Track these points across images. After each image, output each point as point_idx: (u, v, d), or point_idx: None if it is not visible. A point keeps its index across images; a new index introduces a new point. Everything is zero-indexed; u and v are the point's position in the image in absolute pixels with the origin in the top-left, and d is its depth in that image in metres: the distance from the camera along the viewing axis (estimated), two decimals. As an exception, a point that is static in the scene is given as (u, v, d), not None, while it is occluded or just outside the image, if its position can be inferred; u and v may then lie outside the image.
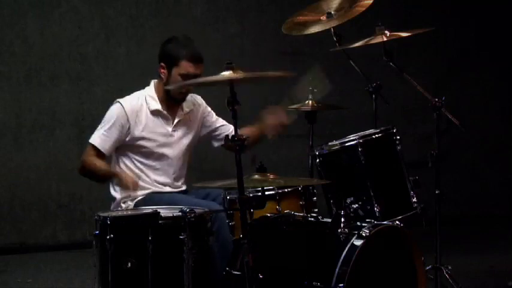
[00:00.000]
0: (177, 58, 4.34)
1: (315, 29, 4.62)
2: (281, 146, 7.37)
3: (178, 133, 4.49)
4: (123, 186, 4.23)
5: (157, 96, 4.44)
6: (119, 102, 4.40)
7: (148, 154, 4.41)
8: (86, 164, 4.35)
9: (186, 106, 4.51)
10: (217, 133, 4.63)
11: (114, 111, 4.38)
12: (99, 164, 4.32)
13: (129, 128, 4.35)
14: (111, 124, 4.34)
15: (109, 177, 4.33)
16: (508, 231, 6.52)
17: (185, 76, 4.31)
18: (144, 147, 4.39)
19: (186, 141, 4.52)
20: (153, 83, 4.49)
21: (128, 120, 4.35)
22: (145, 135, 4.37)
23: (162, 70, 4.41)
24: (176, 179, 4.49)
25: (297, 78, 4.35)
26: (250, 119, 6.84)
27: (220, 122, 4.64)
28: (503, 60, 8.01)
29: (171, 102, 4.45)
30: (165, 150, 4.43)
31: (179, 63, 4.33)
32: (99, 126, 4.39)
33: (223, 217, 4.04)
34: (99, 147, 4.33)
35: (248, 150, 3.83)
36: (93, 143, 4.35)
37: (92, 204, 6.81)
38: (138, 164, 4.40)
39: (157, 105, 4.43)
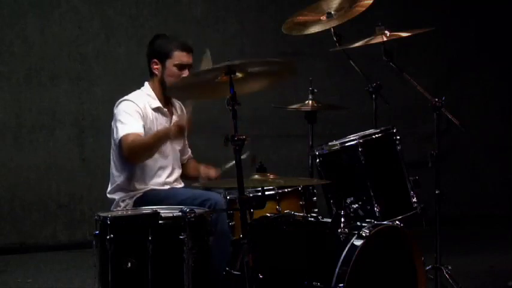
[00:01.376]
0: (170, 50, 4.39)
1: (315, 29, 4.63)
2: (281, 146, 7.38)
3: (176, 132, 4.51)
4: (178, 135, 4.21)
5: (155, 94, 4.46)
6: (126, 99, 4.38)
7: None
8: (134, 147, 4.20)
9: (178, 108, 4.55)
10: (184, 150, 4.67)
11: (126, 106, 4.34)
12: (143, 137, 4.23)
13: (143, 119, 4.34)
14: (130, 113, 4.28)
15: (162, 139, 4.24)
16: (508, 231, 6.52)
17: (180, 66, 4.36)
18: None
19: (181, 141, 4.55)
20: (146, 83, 4.51)
21: (142, 112, 4.34)
22: (152, 132, 4.37)
23: (156, 66, 4.44)
24: (174, 178, 4.50)
25: (298, 77, 4.35)
26: (250, 119, 6.88)
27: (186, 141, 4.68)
28: (503, 60, 8.01)
29: (167, 100, 4.48)
30: (166, 148, 4.43)
31: (172, 54, 4.39)
32: (117, 123, 4.28)
33: (221, 217, 4.05)
34: (133, 131, 4.22)
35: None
36: (125, 133, 4.22)
37: (92, 204, 6.81)
38: (138, 166, 4.39)
39: (157, 103, 4.45)
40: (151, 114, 4.40)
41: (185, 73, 4.39)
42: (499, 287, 5.33)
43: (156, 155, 4.39)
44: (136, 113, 4.31)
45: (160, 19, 7.09)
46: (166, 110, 4.46)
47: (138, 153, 4.25)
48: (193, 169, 4.69)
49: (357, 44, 4.54)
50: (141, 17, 7.08)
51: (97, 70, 6.98)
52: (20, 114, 6.82)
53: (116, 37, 7.02)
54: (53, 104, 6.87)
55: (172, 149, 4.49)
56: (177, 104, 4.57)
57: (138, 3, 7.08)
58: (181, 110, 4.55)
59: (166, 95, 4.44)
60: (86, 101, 6.94)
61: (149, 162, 4.37)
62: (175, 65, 4.38)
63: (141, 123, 4.30)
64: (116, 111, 4.36)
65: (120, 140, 4.24)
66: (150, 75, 4.50)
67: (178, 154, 4.56)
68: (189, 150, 4.74)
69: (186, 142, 4.69)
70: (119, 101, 4.40)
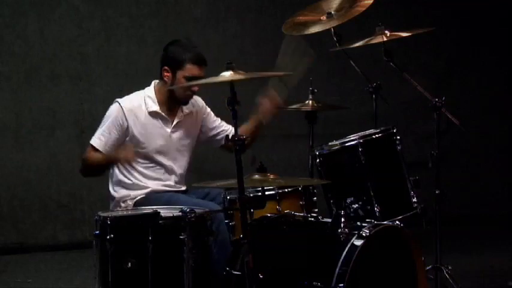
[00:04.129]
0: (182, 61, 4.33)
1: (315, 29, 4.62)
2: (281, 146, 7.37)
3: (177, 134, 4.49)
4: (124, 161, 4.32)
5: (157, 97, 4.44)
6: (117, 101, 4.41)
7: (148, 155, 4.40)
8: (85, 162, 4.38)
9: (185, 107, 4.51)
10: (217, 134, 4.63)
11: (112, 111, 4.40)
12: (96, 155, 4.34)
13: (127, 128, 4.35)
14: (110, 123, 4.36)
15: (108, 163, 4.36)
16: (508, 231, 6.52)
17: (190, 79, 4.29)
18: (143, 147, 4.39)
19: (186, 142, 4.52)
20: (153, 83, 4.49)
21: (126, 119, 4.35)
22: (144, 136, 4.37)
23: (166, 74, 4.40)
24: (176, 180, 4.49)
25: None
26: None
27: (220, 122, 4.63)
28: (503, 60, 8.01)
29: (173, 104, 4.45)
30: (164, 151, 4.43)
31: (184, 66, 4.33)
32: (99, 126, 4.41)
33: (221, 217, 4.04)
34: (99, 148, 4.34)
35: (248, 148, 3.94)
36: (93, 144, 4.36)
37: (92, 204, 6.81)
38: (138, 165, 4.40)
39: (155, 107, 4.42)
40: (144, 116, 4.39)
41: (195, 87, 4.38)
42: (499, 287, 5.34)
43: (159, 156, 4.41)
44: (116, 123, 4.34)
45: (160, 19, 7.09)
46: (165, 115, 4.44)
47: (87, 170, 4.41)
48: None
49: (357, 44, 4.54)
50: (141, 17, 7.08)
51: (97, 70, 6.98)
52: (20, 114, 6.82)
53: (116, 37, 7.02)
54: (53, 104, 6.87)
55: (176, 150, 4.47)
56: (195, 102, 4.54)
57: (138, 3, 7.08)
58: (193, 106, 4.52)
59: (174, 103, 4.45)
60: (86, 101, 6.94)
61: (151, 161, 4.40)
62: (185, 77, 4.31)
63: (111, 140, 4.34)
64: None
65: (88, 146, 4.40)
66: (160, 78, 4.46)
67: (186, 156, 4.53)
68: (225, 128, 4.62)
69: (215, 125, 4.62)
70: (115, 100, 4.44)
